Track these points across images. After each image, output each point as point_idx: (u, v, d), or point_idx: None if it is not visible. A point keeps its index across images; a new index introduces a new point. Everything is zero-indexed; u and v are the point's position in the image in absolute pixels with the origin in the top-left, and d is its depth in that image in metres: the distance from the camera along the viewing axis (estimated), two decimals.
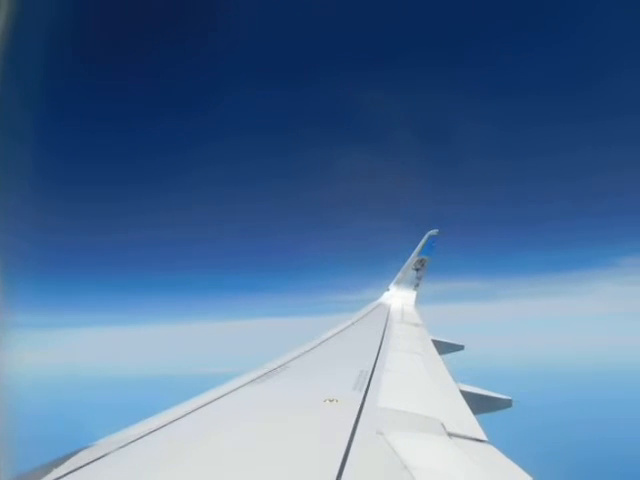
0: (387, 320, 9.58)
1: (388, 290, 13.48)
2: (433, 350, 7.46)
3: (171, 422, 3.01)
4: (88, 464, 2.32)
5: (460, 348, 10.16)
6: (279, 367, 4.95)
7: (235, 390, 3.94)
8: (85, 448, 2.57)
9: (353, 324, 9.03)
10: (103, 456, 2.42)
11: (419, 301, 13.39)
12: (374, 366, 5.01)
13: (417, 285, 13.72)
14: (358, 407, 3.40)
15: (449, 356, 9.05)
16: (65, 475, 2.19)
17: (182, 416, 3.15)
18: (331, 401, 3.52)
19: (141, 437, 2.70)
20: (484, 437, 3.19)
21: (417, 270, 13.74)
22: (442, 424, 3.26)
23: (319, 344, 6.65)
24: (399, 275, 13.75)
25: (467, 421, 3.61)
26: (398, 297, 13.08)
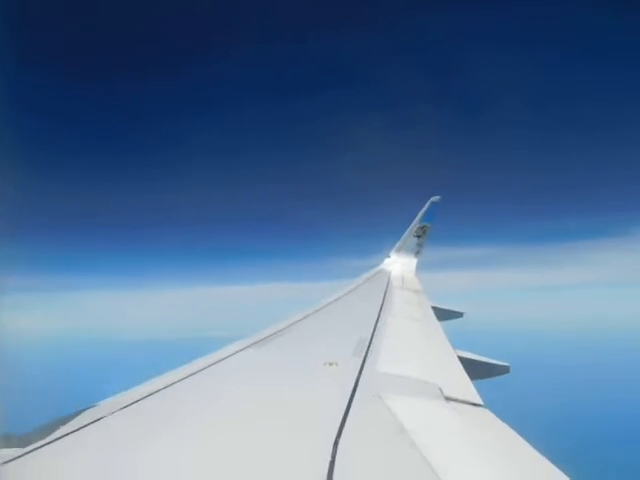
0: (387, 287, 9.64)
1: (389, 257, 13.51)
2: (432, 317, 7.53)
3: (172, 384, 3.07)
4: (89, 424, 2.37)
5: (459, 315, 10.26)
6: (280, 331, 5.01)
7: (236, 353, 4.01)
8: (87, 409, 2.63)
9: (354, 290, 9.10)
10: (103, 417, 2.47)
11: (420, 268, 13.45)
12: (373, 332, 5.07)
13: (418, 252, 13.73)
14: (357, 371, 3.45)
15: (449, 323, 9.15)
16: (67, 435, 2.25)
17: (183, 379, 3.21)
18: (331, 365, 3.58)
19: (140, 400, 2.76)
20: (480, 401, 3.25)
21: (418, 237, 13.72)
22: (440, 388, 3.33)
23: (320, 310, 6.71)
24: (400, 242, 13.75)
25: (464, 386, 3.68)
26: (399, 264, 13.13)
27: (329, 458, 1.97)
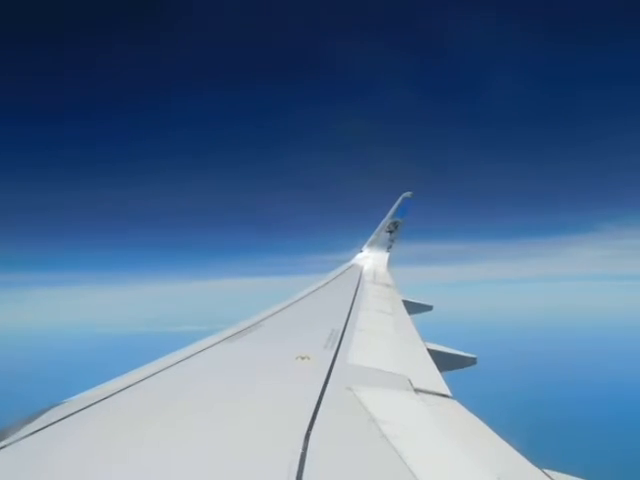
0: (359, 281, 9.72)
1: (361, 252, 13.61)
2: (403, 310, 7.65)
3: (142, 380, 3.05)
4: (59, 421, 2.33)
5: (429, 308, 10.42)
6: (253, 325, 5.01)
7: (209, 348, 3.99)
8: (53, 407, 2.59)
9: (326, 284, 9.14)
10: (73, 413, 2.43)
11: (392, 262, 13.59)
12: (345, 325, 5.12)
13: (390, 247, 13.88)
14: (329, 364, 3.50)
15: (419, 316, 9.29)
16: (36, 432, 2.20)
17: (154, 374, 3.18)
18: (303, 358, 3.61)
19: (112, 395, 2.73)
20: (448, 393, 3.34)
21: (390, 232, 13.87)
22: (409, 380, 3.40)
23: (293, 304, 6.73)
24: (372, 237, 13.88)
25: (433, 378, 3.77)
26: (371, 258, 13.24)
27: (300, 450, 2.00)
